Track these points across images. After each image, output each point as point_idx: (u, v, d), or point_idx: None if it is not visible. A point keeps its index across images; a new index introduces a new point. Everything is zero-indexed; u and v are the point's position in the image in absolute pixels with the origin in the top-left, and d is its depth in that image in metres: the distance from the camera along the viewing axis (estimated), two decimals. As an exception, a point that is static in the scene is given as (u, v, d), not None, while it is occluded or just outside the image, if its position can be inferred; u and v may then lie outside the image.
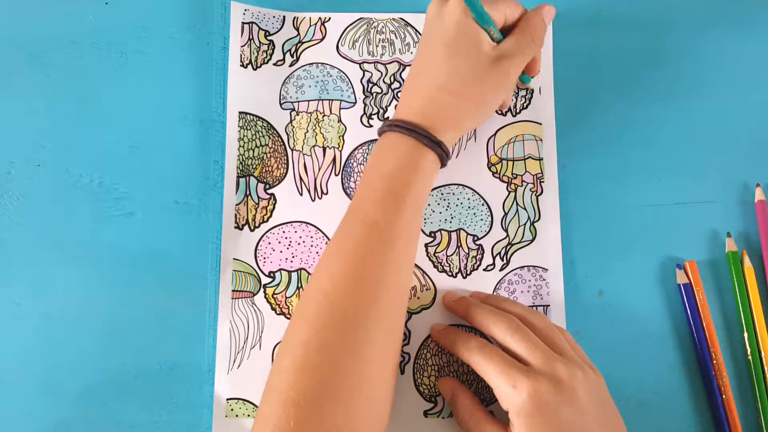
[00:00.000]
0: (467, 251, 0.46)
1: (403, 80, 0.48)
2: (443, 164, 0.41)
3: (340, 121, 0.48)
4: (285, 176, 0.47)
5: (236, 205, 0.46)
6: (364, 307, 0.36)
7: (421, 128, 0.40)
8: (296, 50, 0.48)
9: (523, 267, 0.46)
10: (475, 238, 0.46)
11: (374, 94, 0.48)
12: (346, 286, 0.37)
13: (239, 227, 0.46)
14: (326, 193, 0.47)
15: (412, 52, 0.49)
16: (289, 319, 0.45)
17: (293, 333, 0.37)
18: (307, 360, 0.35)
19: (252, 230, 0.46)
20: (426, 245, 0.46)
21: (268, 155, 0.47)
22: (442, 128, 0.40)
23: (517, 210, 0.47)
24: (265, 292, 0.45)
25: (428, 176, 0.40)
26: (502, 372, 0.37)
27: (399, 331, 0.39)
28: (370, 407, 0.36)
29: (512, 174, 0.47)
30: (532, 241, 0.46)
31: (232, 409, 0.43)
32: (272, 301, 0.45)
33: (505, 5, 0.41)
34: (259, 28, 0.48)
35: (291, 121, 0.47)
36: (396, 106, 0.46)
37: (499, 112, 0.48)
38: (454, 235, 0.46)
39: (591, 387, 0.37)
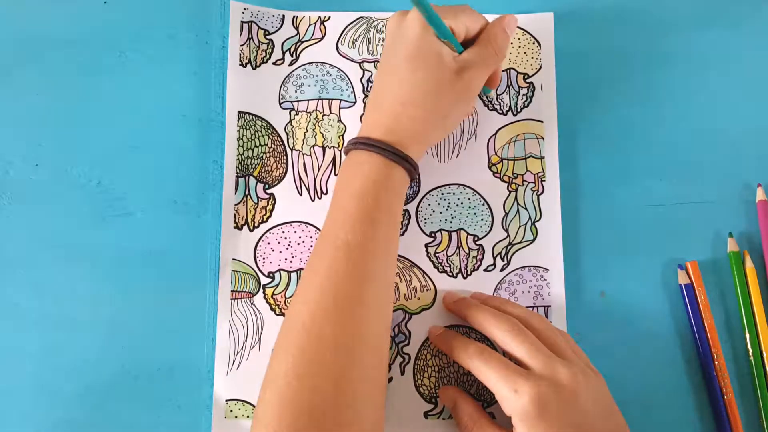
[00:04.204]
0: (468, 251, 0.46)
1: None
2: (412, 178, 0.41)
3: (339, 120, 0.47)
4: (284, 176, 0.47)
5: (235, 205, 0.46)
6: (342, 332, 0.36)
7: (387, 144, 0.39)
8: (296, 49, 0.48)
9: (523, 267, 0.46)
10: (476, 238, 0.46)
11: (374, 94, 0.48)
12: (323, 312, 0.36)
13: (238, 227, 0.46)
14: (326, 193, 0.46)
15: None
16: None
17: (275, 363, 0.37)
18: (288, 390, 0.35)
19: (251, 230, 0.46)
20: (426, 245, 0.46)
21: (268, 155, 0.47)
22: (408, 143, 0.40)
23: (517, 210, 0.46)
24: (264, 292, 0.45)
25: (398, 192, 0.40)
26: (503, 377, 0.37)
27: (384, 351, 0.39)
28: (359, 430, 0.36)
29: (513, 173, 0.47)
30: (533, 241, 0.46)
31: (231, 410, 0.43)
32: (271, 301, 0.45)
33: (466, 17, 0.41)
34: (259, 27, 0.48)
35: (290, 120, 0.47)
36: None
37: (500, 112, 0.48)
38: (454, 236, 0.46)
39: (593, 389, 0.37)
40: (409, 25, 0.40)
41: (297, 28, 0.49)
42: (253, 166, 0.46)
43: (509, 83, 0.48)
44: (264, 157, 0.47)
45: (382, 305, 0.39)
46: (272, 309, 0.45)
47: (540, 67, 0.48)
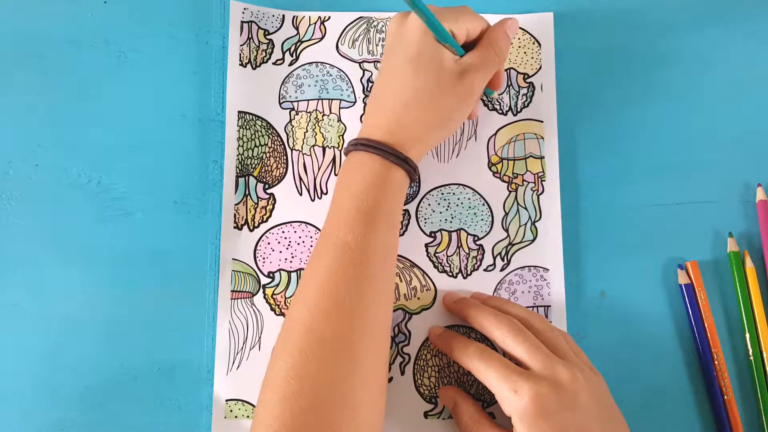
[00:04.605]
0: (468, 251, 0.46)
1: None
2: (412, 179, 0.41)
3: (339, 120, 0.47)
4: (284, 176, 0.47)
5: (235, 205, 0.46)
6: (342, 332, 0.36)
7: (387, 146, 0.39)
8: (296, 49, 0.48)
9: (523, 267, 0.46)
10: (476, 238, 0.46)
11: (374, 94, 0.48)
12: (323, 312, 0.36)
13: (238, 227, 0.46)
14: (326, 193, 0.46)
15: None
16: (288, 319, 0.44)
17: (275, 363, 0.37)
18: (288, 390, 0.35)
19: (251, 230, 0.46)
20: (426, 245, 0.46)
21: (268, 155, 0.47)
22: (408, 144, 0.40)
23: (517, 210, 0.46)
24: (264, 292, 0.45)
25: (398, 193, 0.40)
26: (503, 377, 0.37)
27: (384, 351, 0.39)
28: (359, 430, 0.35)
29: (513, 173, 0.47)
30: (533, 241, 0.46)
31: (231, 410, 0.43)
32: (271, 301, 0.45)
33: (467, 20, 0.41)
34: (259, 27, 0.48)
35: (290, 120, 0.47)
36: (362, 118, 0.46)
37: (500, 112, 0.48)
38: (454, 235, 0.46)
39: (593, 389, 0.37)
40: (409, 27, 0.40)
41: (297, 28, 0.49)
42: (253, 166, 0.46)
43: (509, 83, 0.48)
44: (264, 157, 0.47)
45: (382, 306, 0.39)
46: (272, 309, 0.45)
47: (540, 67, 0.48)
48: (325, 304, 0.37)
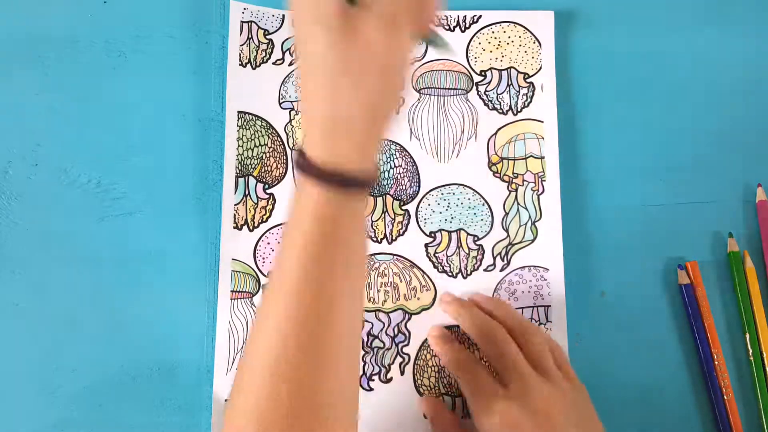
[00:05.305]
0: (467, 251, 0.46)
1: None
2: (371, 188, 0.33)
3: (339, 120, 0.47)
4: (284, 176, 0.46)
5: (235, 205, 0.46)
6: (313, 336, 0.31)
7: (328, 169, 0.31)
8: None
9: (523, 267, 0.46)
10: (476, 239, 0.46)
11: (374, 94, 0.48)
12: (292, 320, 0.31)
13: (238, 227, 0.45)
14: (326, 193, 0.46)
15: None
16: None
17: (243, 368, 0.32)
18: (260, 395, 0.30)
19: (251, 230, 0.46)
20: (426, 245, 0.46)
21: (268, 155, 0.47)
22: (350, 156, 0.31)
23: (518, 210, 0.46)
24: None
25: (355, 221, 0.33)
26: (479, 393, 0.38)
27: (356, 354, 0.34)
28: None
29: (513, 173, 0.47)
30: (533, 241, 0.46)
31: (231, 410, 0.43)
32: (272, 301, 0.45)
33: None
34: (258, 27, 0.48)
35: (290, 120, 0.47)
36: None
37: (500, 112, 0.48)
38: (454, 236, 0.46)
39: (569, 409, 0.38)
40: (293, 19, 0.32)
41: (297, 28, 0.49)
42: (253, 166, 0.46)
43: (509, 83, 0.48)
44: (264, 157, 0.47)
45: (348, 334, 0.33)
46: (272, 309, 0.45)
47: (540, 68, 0.48)
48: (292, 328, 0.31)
